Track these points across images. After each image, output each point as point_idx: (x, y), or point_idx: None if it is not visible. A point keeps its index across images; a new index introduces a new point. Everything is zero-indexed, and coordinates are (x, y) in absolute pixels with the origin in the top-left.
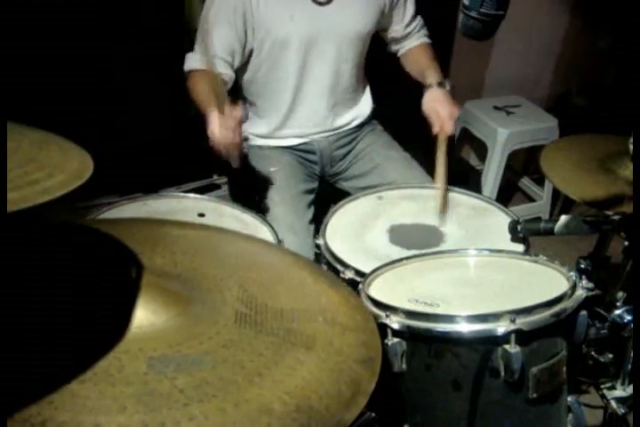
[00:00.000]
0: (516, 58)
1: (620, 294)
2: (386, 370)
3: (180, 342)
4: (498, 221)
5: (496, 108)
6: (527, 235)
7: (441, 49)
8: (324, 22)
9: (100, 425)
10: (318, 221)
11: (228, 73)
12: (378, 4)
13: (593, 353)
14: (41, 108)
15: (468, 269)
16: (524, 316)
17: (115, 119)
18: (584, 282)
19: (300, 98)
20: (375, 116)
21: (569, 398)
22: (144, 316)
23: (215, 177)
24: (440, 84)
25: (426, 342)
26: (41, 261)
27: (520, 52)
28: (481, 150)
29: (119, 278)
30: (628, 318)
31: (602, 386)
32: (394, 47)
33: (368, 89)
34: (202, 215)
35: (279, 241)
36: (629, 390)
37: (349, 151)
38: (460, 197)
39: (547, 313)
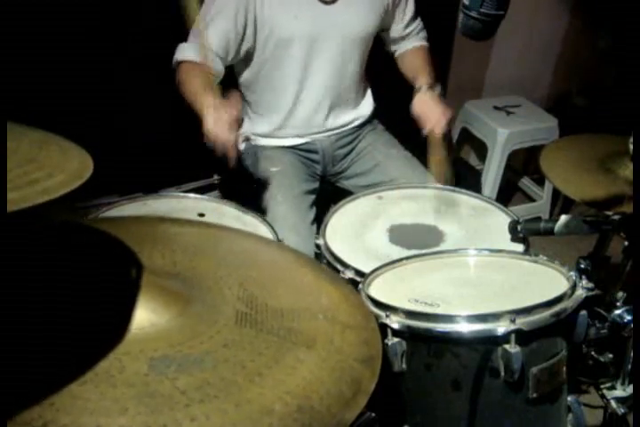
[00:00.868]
0: (516, 58)
1: (620, 294)
2: (386, 370)
3: (181, 342)
4: (498, 221)
5: (496, 108)
6: (527, 235)
7: (441, 49)
8: (328, 22)
9: None
10: (318, 221)
11: (219, 68)
12: (382, 4)
13: (593, 353)
14: (41, 108)
15: (468, 269)
16: (524, 316)
17: (115, 119)
18: (584, 282)
19: (302, 97)
20: (376, 115)
21: (569, 398)
22: (144, 316)
23: (215, 177)
24: (430, 88)
25: (426, 342)
26: (41, 261)
27: (520, 52)
28: (481, 150)
29: (119, 278)
30: (628, 318)
31: (602, 386)
32: (392, 47)
33: (369, 89)
34: (202, 215)
35: (279, 241)
36: (629, 390)
37: (351, 150)
38: (459, 197)
39: (547, 313)
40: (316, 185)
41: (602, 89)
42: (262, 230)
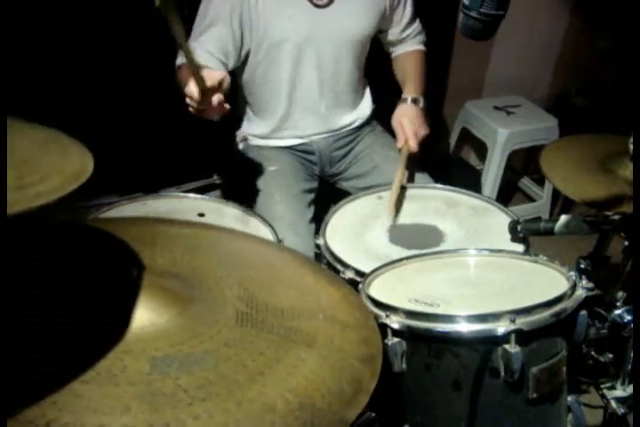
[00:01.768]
0: (516, 58)
1: (620, 294)
2: (386, 370)
3: (182, 341)
4: (498, 221)
5: (496, 108)
6: (527, 235)
7: (441, 49)
8: (322, 25)
9: (105, 426)
10: (318, 221)
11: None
12: (378, 7)
13: (593, 353)
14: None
15: (468, 269)
16: (524, 316)
17: (115, 119)
18: (584, 282)
19: (295, 99)
20: (375, 116)
21: (569, 398)
22: (145, 316)
23: (215, 177)
24: (414, 101)
25: (426, 342)
26: (41, 261)
27: (520, 52)
28: (481, 150)
29: (120, 278)
30: (628, 318)
31: (602, 386)
32: (389, 49)
33: (368, 90)
34: (202, 215)
35: (279, 241)
36: (629, 390)
37: (349, 152)
38: (459, 197)
39: (547, 313)
40: (315, 184)
41: (602, 89)
42: (263, 230)
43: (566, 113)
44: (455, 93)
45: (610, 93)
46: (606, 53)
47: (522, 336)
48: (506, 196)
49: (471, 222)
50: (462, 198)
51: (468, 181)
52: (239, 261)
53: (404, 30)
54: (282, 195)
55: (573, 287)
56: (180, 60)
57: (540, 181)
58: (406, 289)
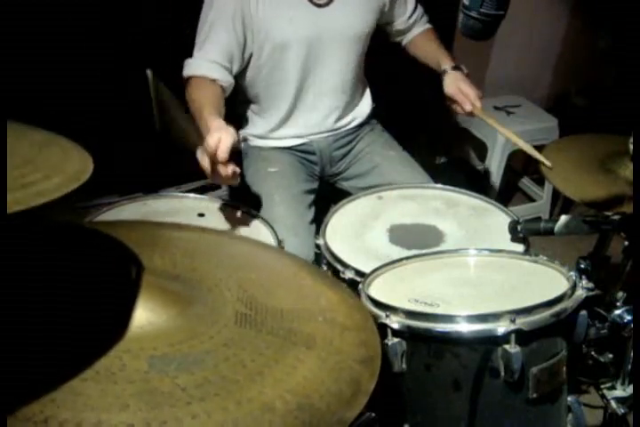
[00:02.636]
0: (516, 58)
1: (620, 294)
2: (386, 370)
3: (181, 341)
4: (498, 221)
5: (496, 108)
6: (527, 235)
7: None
8: (323, 24)
9: (103, 423)
10: (318, 221)
11: (227, 80)
12: (377, 4)
13: (593, 353)
14: (41, 109)
15: (468, 269)
16: (524, 316)
17: (115, 119)
18: (584, 282)
19: (300, 99)
20: (375, 115)
21: (569, 398)
22: (144, 315)
23: None
24: (457, 68)
25: (426, 342)
26: (42, 261)
27: (520, 52)
28: (481, 150)
29: (119, 279)
30: (628, 318)
31: (602, 386)
32: (397, 38)
33: (367, 89)
34: (202, 215)
35: (279, 242)
36: (629, 390)
37: (349, 151)
38: (459, 197)
39: (547, 313)
40: (315, 185)
41: (602, 89)
42: (263, 231)
43: (566, 113)
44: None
45: (610, 93)
46: (606, 53)
47: (522, 336)
48: (506, 196)
49: (471, 222)
50: (462, 198)
51: (468, 181)
52: (239, 264)
53: (410, 17)
54: (282, 196)
55: (573, 287)
56: (188, 72)
57: (540, 181)
58: (406, 289)
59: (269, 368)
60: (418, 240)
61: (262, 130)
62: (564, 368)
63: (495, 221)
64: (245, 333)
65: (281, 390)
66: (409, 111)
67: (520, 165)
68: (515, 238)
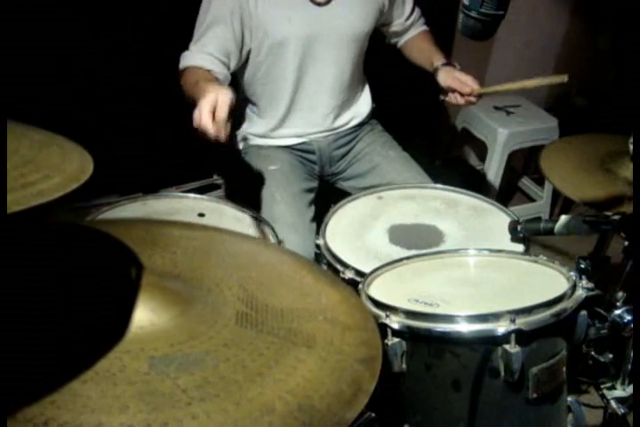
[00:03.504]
0: (516, 58)
1: (620, 294)
2: (386, 370)
3: (181, 341)
4: (498, 221)
5: (496, 108)
6: (527, 235)
7: (441, 49)
8: (322, 23)
9: (103, 424)
10: (318, 221)
11: (222, 72)
12: (377, 4)
13: (593, 353)
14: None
15: (468, 269)
16: (524, 316)
17: (115, 119)
18: (584, 282)
19: (298, 98)
20: (374, 115)
21: (569, 398)
22: (145, 316)
23: (215, 177)
24: (449, 64)
25: (426, 342)
26: (42, 261)
27: (520, 52)
28: (481, 150)
29: (119, 279)
30: (628, 318)
31: (602, 386)
32: (393, 40)
33: (367, 88)
34: (202, 215)
35: (279, 241)
36: (629, 390)
37: (348, 151)
38: (459, 197)
39: (547, 313)
40: (315, 184)
41: (602, 89)
42: (263, 231)
43: (566, 113)
44: None
45: (610, 93)
46: (606, 53)
47: (522, 336)
48: (506, 196)
49: (471, 222)
50: (462, 198)
51: (468, 181)
52: (239, 263)
53: (408, 18)
54: (282, 194)
55: (573, 287)
56: (184, 63)
57: (540, 181)
58: (406, 289)
59: (269, 369)
60: (418, 240)
61: (262, 129)
62: (564, 368)
63: (495, 221)
64: (246, 333)
65: (281, 390)
66: (409, 111)
67: (520, 164)
68: (515, 238)
